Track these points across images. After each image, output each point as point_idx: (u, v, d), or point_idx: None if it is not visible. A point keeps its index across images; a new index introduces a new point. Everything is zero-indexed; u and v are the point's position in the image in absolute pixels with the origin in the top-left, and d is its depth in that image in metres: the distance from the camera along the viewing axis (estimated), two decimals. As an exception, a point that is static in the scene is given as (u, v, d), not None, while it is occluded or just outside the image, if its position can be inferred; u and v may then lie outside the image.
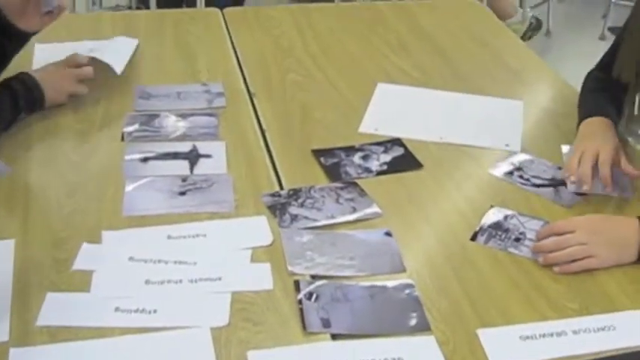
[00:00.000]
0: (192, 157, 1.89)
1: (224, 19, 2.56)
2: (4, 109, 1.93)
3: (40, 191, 1.76)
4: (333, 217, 1.70)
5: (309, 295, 1.49)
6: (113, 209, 1.72)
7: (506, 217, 1.71)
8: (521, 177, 1.85)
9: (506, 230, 1.68)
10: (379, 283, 1.53)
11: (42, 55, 2.27)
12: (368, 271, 1.56)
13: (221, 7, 2.64)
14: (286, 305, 1.48)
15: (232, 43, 2.43)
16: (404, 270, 1.57)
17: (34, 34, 1.95)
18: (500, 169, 1.88)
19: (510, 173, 1.86)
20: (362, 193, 1.77)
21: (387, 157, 1.90)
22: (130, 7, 4.49)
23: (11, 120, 1.95)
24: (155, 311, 1.46)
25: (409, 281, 1.54)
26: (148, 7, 4.28)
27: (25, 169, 1.84)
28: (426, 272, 1.57)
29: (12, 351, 1.38)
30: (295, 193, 1.76)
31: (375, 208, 1.73)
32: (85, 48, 2.18)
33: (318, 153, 1.91)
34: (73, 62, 2.10)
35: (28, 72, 2.02)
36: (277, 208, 1.72)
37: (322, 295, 1.49)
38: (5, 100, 1.93)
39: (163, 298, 1.49)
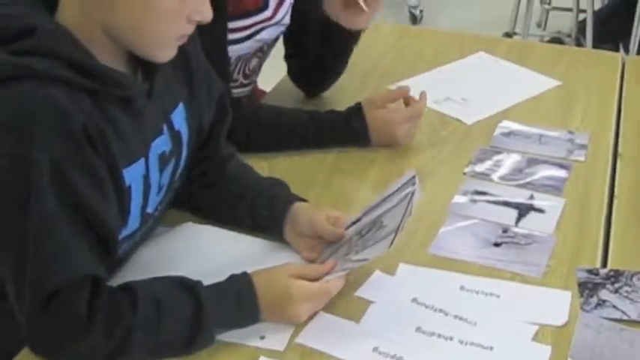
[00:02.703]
0: (524, 208, 1.69)
1: (622, 66, 2.28)
2: (322, 137, 1.87)
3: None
4: (645, 314, 1.43)
5: (576, 398, 1.26)
6: (421, 242, 1.59)
7: None
8: None
9: None
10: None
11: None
12: (658, 390, 1.29)
13: None
14: (548, 400, 1.26)
15: (620, 93, 2.15)
16: (702, 400, 1.27)
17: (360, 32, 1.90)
18: None
19: None
20: (693, 295, 1.47)
21: None
22: (569, 36, 4.28)
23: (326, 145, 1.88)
24: (410, 363, 1.33)
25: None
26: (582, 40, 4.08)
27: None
28: None
29: (261, 359, 1.33)
30: (615, 276, 1.51)
31: (699, 318, 1.42)
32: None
33: (661, 236, 1.62)
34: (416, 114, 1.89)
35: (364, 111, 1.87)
36: (587, 288, 1.48)
37: (592, 401, 1.26)
38: (331, 132, 1.87)
39: (425, 352, 1.35)
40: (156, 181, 1.43)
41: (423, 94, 1.88)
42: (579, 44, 4.15)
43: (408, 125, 1.86)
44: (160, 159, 1.43)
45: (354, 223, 1.52)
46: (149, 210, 1.44)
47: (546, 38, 4.42)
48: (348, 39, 1.94)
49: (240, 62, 1.91)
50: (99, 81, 1.28)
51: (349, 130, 1.86)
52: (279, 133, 1.86)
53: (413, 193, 1.41)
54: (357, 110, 1.86)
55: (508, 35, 4.33)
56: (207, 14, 1.34)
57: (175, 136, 1.47)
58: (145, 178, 1.39)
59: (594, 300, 1.45)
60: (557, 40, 4.33)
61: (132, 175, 1.35)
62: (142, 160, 1.38)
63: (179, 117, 1.48)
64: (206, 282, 1.36)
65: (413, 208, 1.41)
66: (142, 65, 1.39)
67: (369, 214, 1.50)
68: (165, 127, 1.44)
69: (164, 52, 1.36)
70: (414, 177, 1.45)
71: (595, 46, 3.93)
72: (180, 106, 1.49)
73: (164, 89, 1.43)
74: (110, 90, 1.30)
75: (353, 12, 1.86)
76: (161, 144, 1.43)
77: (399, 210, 1.40)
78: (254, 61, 1.96)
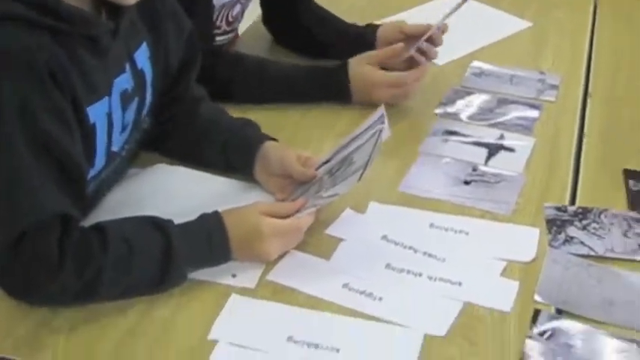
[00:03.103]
0: (494, 147, 1.70)
1: (595, 7, 2.29)
2: (304, 88, 1.83)
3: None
4: (612, 250, 1.44)
5: (542, 332, 1.27)
6: (391, 181, 1.60)
7: None
8: None
9: None
10: (629, 339, 1.27)
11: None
12: (622, 323, 1.30)
13: None
14: (515, 334, 1.27)
15: (592, 34, 2.16)
16: (664, 332, 1.29)
17: None
18: None
19: None
20: (658, 231, 1.49)
21: None
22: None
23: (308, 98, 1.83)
24: (381, 299, 1.33)
25: (664, 347, 1.26)
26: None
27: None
28: (691, 342, 1.28)
29: (232, 296, 1.33)
30: (583, 213, 1.52)
31: (664, 253, 1.44)
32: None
33: (629, 174, 1.63)
34: (400, 84, 1.79)
35: (348, 66, 1.81)
36: (556, 224, 1.49)
37: (558, 335, 1.27)
38: (312, 83, 1.83)
39: (395, 288, 1.35)
40: (119, 120, 1.42)
41: (422, 68, 1.80)
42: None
43: (389, 91, 1.79)
44: (122, 97, 1.42)
45: (324, 163, 1.52)
46: (114, 149, 1.44)
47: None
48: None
49: (224, 10, 1.90)
50: (63, 20, 1.26)
51: (330, 85, 1.82)
52: (259, 84, 1.83)
53: (381, 130, 1.41)
54: (341, 66, 1.82)
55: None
56: None
57: (138, 74, 1.46)
58: (109, 116, 1.38)
59: (562, 236, 1.47)
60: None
61: (96, 113, 1.34)
62: (106, 99, 1.37)
63: (142, 56, 1.47)
64: (178, 222, 1.36)
65: (382, 145, 1.41)
66: (107, 5, 1.37)
67: (339, 153, 1.50)
68: (127, 66, 1.43)
69: None
70: (382, 115, 1.45)
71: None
72: (144, 45, 1.48)
73: (128, 28, 1.42)
74: (75, 29, 1.28)
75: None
76: (123, 82, 1.42)
77: (368, 146, 1.41)
78: (237, 8, 1.94)
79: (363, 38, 1.93)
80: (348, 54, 1.84)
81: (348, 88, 1.81)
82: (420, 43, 1.80)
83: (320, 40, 1.99)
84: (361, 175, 1.38)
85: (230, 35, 1.99)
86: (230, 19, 1.94)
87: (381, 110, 1.45)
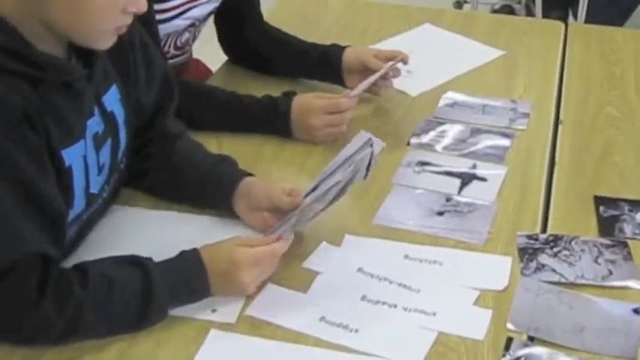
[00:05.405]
0: (467, 177, 1.78)
1: (565, 34, 2.38)
2: (239, 116, 1.91)
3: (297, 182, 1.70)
4: (583, 277, 1.51)
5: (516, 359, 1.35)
6: (366, 213, 1.67)
7: None
8: None
9: None
10: (600, 366, 1.35)
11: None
12: (593, 349, 1.37)
13: None
14: (488, 362, 1.35)
15: (563, 61, 2.25)
16: (634, 358, 1.36)
17: None
18: None
19: None
20: (627, 257, 1.56)
21: (674, 222, 1.66)
22: (519, 3, 4.37)
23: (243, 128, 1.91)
24: (357, 331, 1.40)
25: (635, 372, 1.34)
26: (532, 7, 4.17)
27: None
28: (660, 367, 1.35)
29: (212, 332, 1.39)
30: (554, 240, 1.60)
31: (635, 279, 1.51)
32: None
33: (600, 200, 1.71)
34: (334, 108, 1.86)
35: (292, 99, 1.89)
36: (527, 252, 1.56)
37: (530, 362, 1.35)
38: (249, 109, 1.90)
39: (370, 320, 1.42)
40: (94, 162, 1.48)
41: (354, 98, 1.89)
42: (529, 11, 4.25)
43: (328, 130, 1.86)
44: (95, 139, 1.48)
45: (310, 192, 1.58)
46: (93, 191, 1.50)
47: (497, 6, 4.52)
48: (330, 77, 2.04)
49: (171, 38, 1.97)
50: (35, 67, 1.32)
51: (273, 109, 1.89)
52: (208, 111, 1.90)
53: (372, 153, 1.51)
54: (287, 94, 1.91)
55: (458, 4, 4.42)
56: (142, 5, 1.39)
57: (108, 117, 1.52)
58: (84, 158, 1.45)
59: (534, 264, 1.54)
60: (507, 8, 4.43)
61: (72, 155, 1.40)
62: (82, 142, 1.43)
63: (112, 98, 1.54)
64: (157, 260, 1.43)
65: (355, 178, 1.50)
66: (77, 49, 1.43)
67: (326, 181, 1.55)
68: (96, 109, 1.49)
69: (103, 43, 1.41)
70: (369, 139, 1.51)
71: (545, 12, 4.03)
72: (114, 87, 1.54)
73: (100, 72, 1.49)
74: (47, 76, 1.35)
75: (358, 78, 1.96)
76: (93, 125, 1.47)
77: (361, 168, 1.51)
78: (185, 35, 2.01)
79: (328, 58, 2.03)
80: (312, 74, 2.05)
81: (289, 112, 1.87)
82: (370, 82, 1.91)
83: (269, 58, 2.11)
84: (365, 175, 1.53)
85: (180, 58, 2.06)
86: (179, 44, 2.01)
87: (368, 134, 1.51)
